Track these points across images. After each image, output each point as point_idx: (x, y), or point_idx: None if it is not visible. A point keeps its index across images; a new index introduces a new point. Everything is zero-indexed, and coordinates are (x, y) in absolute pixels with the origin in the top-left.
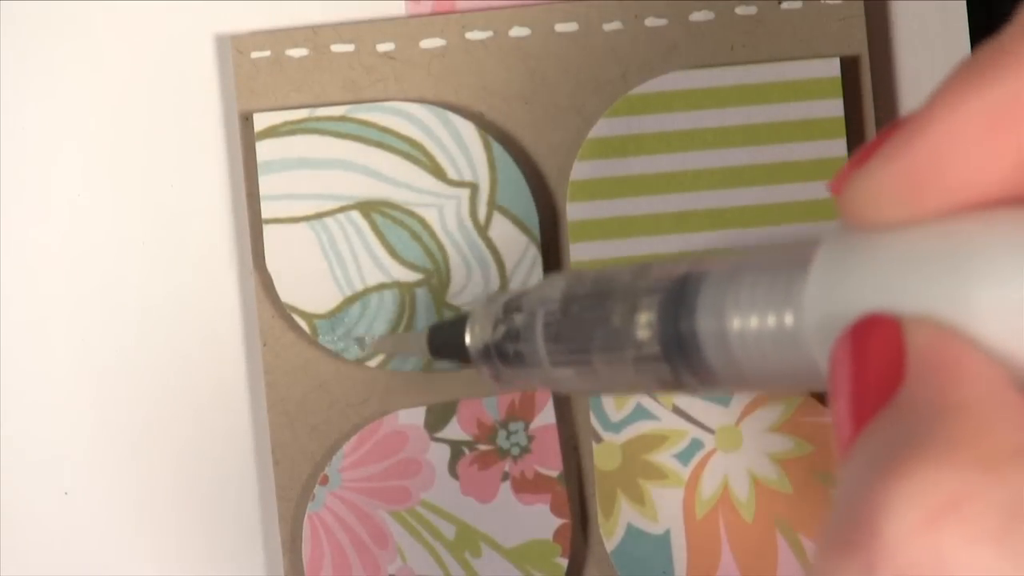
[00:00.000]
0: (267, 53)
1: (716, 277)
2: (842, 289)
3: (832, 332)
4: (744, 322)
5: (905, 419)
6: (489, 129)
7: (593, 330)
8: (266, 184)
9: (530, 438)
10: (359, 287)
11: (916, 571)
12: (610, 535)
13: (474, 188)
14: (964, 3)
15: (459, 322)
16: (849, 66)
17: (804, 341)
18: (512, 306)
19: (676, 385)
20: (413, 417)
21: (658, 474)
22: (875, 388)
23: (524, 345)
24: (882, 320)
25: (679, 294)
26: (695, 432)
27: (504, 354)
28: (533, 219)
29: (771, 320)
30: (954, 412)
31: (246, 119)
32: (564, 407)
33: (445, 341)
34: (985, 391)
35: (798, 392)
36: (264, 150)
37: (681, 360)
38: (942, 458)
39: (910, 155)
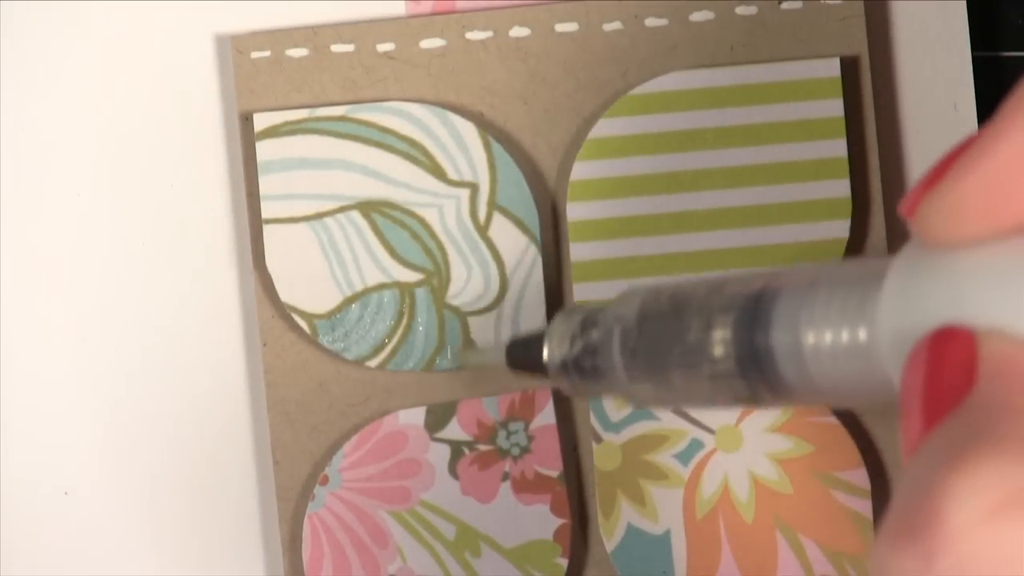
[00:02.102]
0: (267, 53)
1: (790, 293)
2: (916, 304)
3: (905, 345)
4: (819, 337)
5: (975, 418)
6: (489, 129)
7: (669, 346)
8: (266, 184)
9: (530, 438)
10: (359, 287)
11: (976, 561)
12: (610, 535)
13: (474, 188)
14: (964, 3)
15: (537, 338)
16: (849, 66)
17: (878, 354)
18: (589, 322)
19: (752, 400)
20: (413, 417)
21: (658, 474)
22: (947, 392)
23: (601, 360)
24: (956, 330)
25: (754, 310)
26: (695, 432)
27: (582, 369)
28: (533, 219)
29: (845, 335)
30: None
31: (246, 119)
32: (564, 407)
33: (523, 356)
34: None
35: (870, 405)
36: (264, 150)
37: (757, 376)
38: (1011, 452)
39: (982, 172)
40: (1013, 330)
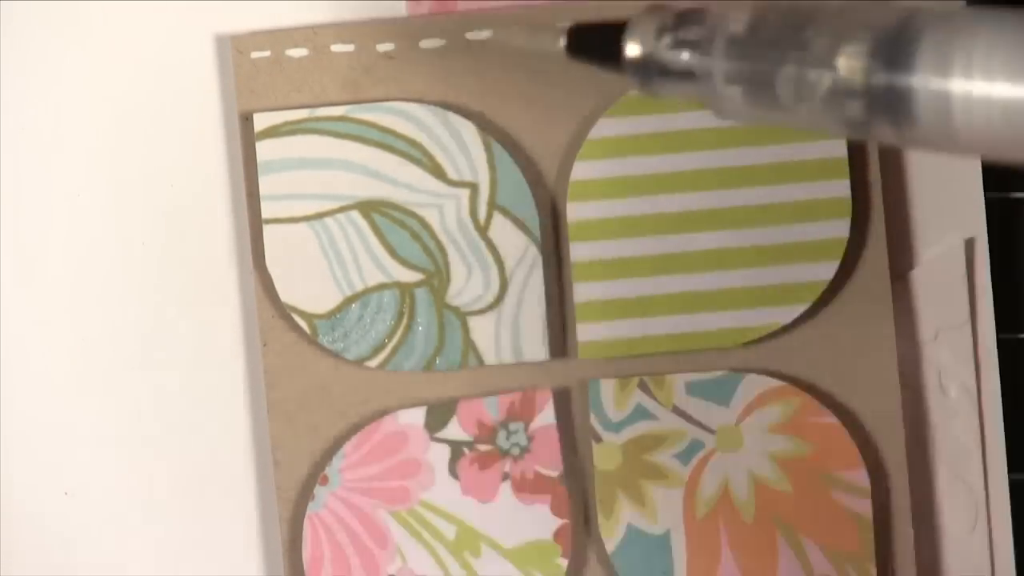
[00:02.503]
0: (267, 53)
1: (940, 32)
2: None
3: None
4: (973, 86)
5: None
6: (489, 129)
7: (787, 51)
8: (266, 184)
9: (530, 438)
10: (359, 287)
11: None
12: (610, 535)
13: (474, 188)
14: (964, 3)
15: (614, 26)
16: None
17: None
18: (689, 17)
19: (864, 129)
20: (413, 417)
21: (658, 474)
22: None
23: (696, 59)
24: None
25: (895, 42)
26: (695, 432)
27: (667, 66)
28: (533, 219)
29: (1007, 88)
30: None
31: (246, 119)
32: (564, 407)
33: (593, 41)
34: None
35: (1001, 161)
36: (264, 150)
37: (884, 107)
38: None
39: None
40: None
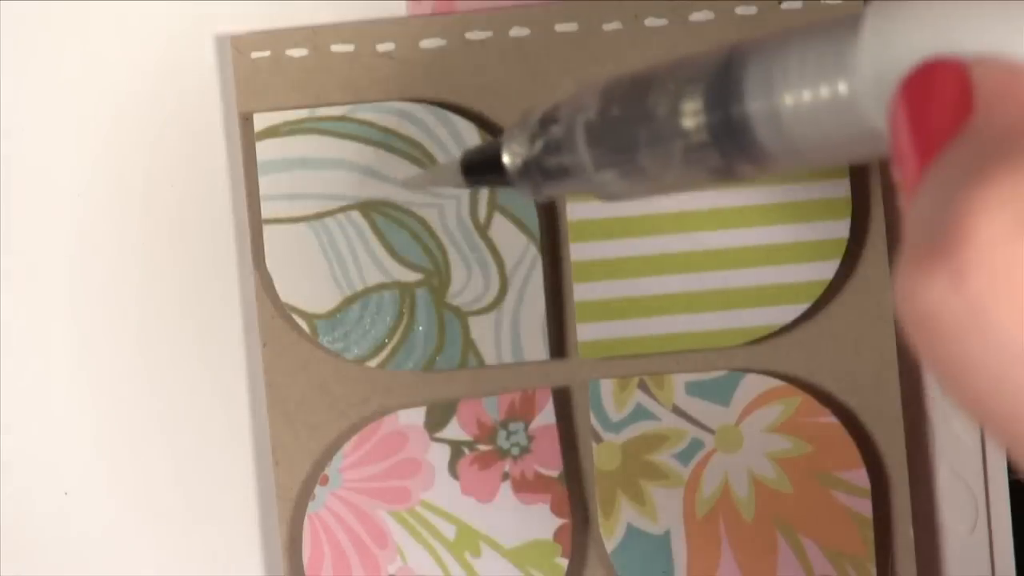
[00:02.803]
0: (267, 53)
1: (759, 56)
2: (896, 44)
3: (888, 90)
4: (796, 97)
5: (982, 142)
6: (489, 129)
7: (637, 127)
8: (266, 184)
9: (530, 438)
10: (359, 287)
11: (1008, 275)
12: (610, 535)
13: (474, 188)
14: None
15: (493, 143)
16: None
17: (861, 105)
18: (549, 118)
19: (727, 173)
20: (413, 417)
21: (658, 474)
22: (942, 122)
23: (566, 155)
24: (944, 61)
25: (723, 78)
26: (695, 432)
27: (545, 168)
28: (533, 219)
29: (824, 90)
30: None
31: (246, 119)
32: (564, 407)
33: (481, 164)
34: None
35: (851, 161)
36: (264, 150)
37: (732, 146)
38: None
39: None
40: (1005, 54)
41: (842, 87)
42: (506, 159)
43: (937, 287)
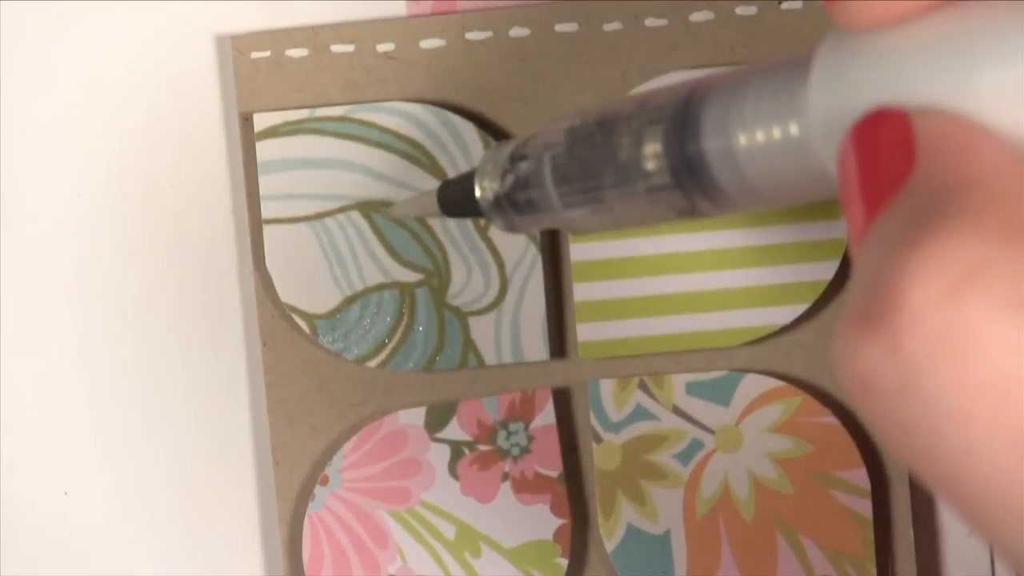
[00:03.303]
0: (267, 53)
1: (718, 96)
2: (844, 90)
3: (838, 134)
4: (750, 137)
5: (920, 198)
6: (489, 129)
7: (601, 167)
8: (266, 184)
9: (530, 438)
10: (359, 287)
11: (942, 339)
12: (610, 535)
13: None
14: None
15: (467, 177)
16: None
17: (812, 147)
18: (518, 154)
19: (691, 211)
20: (413, 417)
21: (658, 474)
22: (886, 175)
23: (534, 191)
24: (888, 112)
25: (682, 119)
26: (695, 432)
27: (515, 203)
28: None
29: (777, 131)
30: (970, 186)
31: (246, 119)
32: (564, 407)
33: (456, 198)
34: (999, 167)
35: (811, 201)
36: (264, 150)
37: (692, 185)
38: (962, 228)
39: None
40: (947, 106)
41: (793, 129)
42: (478, 193)
43: (873, 352)
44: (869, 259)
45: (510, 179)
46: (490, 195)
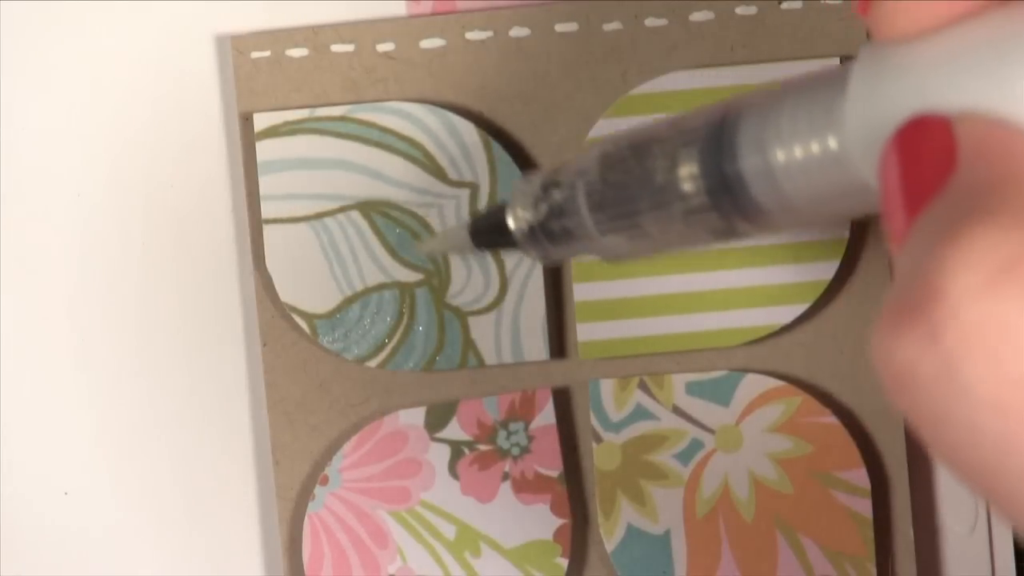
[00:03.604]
0: (267, 53)
1: (753, 114)
2: (882, 101)
3: (877, 145)
4: (788, 153)
5: (961, 196)
6: (489, 129)
7: (637, 192)
8: (266, 184)
9: (530, 438)
10: (359, 287)
11: (981, 331)
12: (610, 535)
13: (474, 188)
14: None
15: (499, 209)
16: None
17: (851, 160)
18: (551, 183)
19: (729, 232)
20: (413, 417)
21: (658, 474)
22: (928, 177)
23: (569, 220)
24: (930, 118)
25: (717, 138)
26: (695, 432)
27: (550, 233)
28: None
29: (815, 146)
30: (1010, 184)
31: (246, 119)
32: (564, 407)
33: (488, 230)
34: None
35: (847, 217)
36: (264, 150)
37: (730, 206)
38: (1003, 222)
39: None
40: (986, 110)
41: (832, 143)
42: (511, 223)
43: (912, 344)
44: (910, 256)
45: (544, 208)
46: (524, 225)
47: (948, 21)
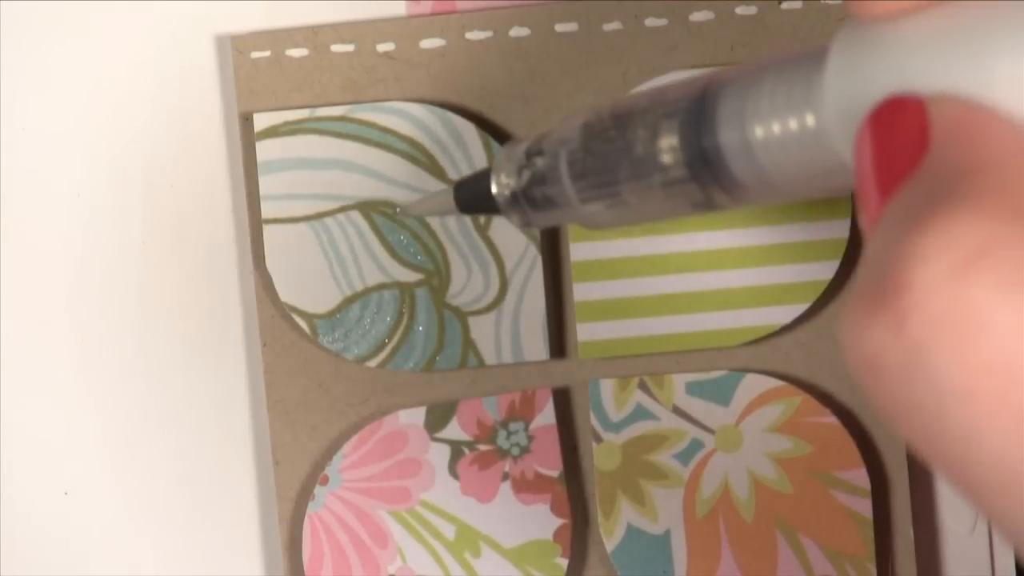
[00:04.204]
0: (267, 53)
1: (733, 89)
2: (860, 79)
3: (854, 123)
4: (766, 129)
5: (932, 181)
6: (489, 129)
7: (618, 162)
8: (266, 184)
9: (530, 438)
10: (359, 287)
11: (948, 319)
12: (610, 535)
13: None
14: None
15: (483, 175)
16: None
17: (828, 138)
18: (534, 150)
19: (708, 205)
20: (413, 417)
21: (658, 474)
22: (901, 159)
23: (551, 187)
24: (904, 98)
25: (698, 112)
26: (695, 432)
27: (532, 199)
28: None
29: (793, 123)
30: (981, 169)
31: (246, 119)
32: (564, 407)
33: (472, 195)
34: (1010, 151)
35: (826, 194)
36: (264, 150)
37: (709, 178)
38: (969, 209)
39: None
40: (962, 92)
41: (810, 120)
42: (494, 189)
43: (879, 332)
44: (880, 240)
45: (527, 175)
46: (507, 192)
47: (927, 3)
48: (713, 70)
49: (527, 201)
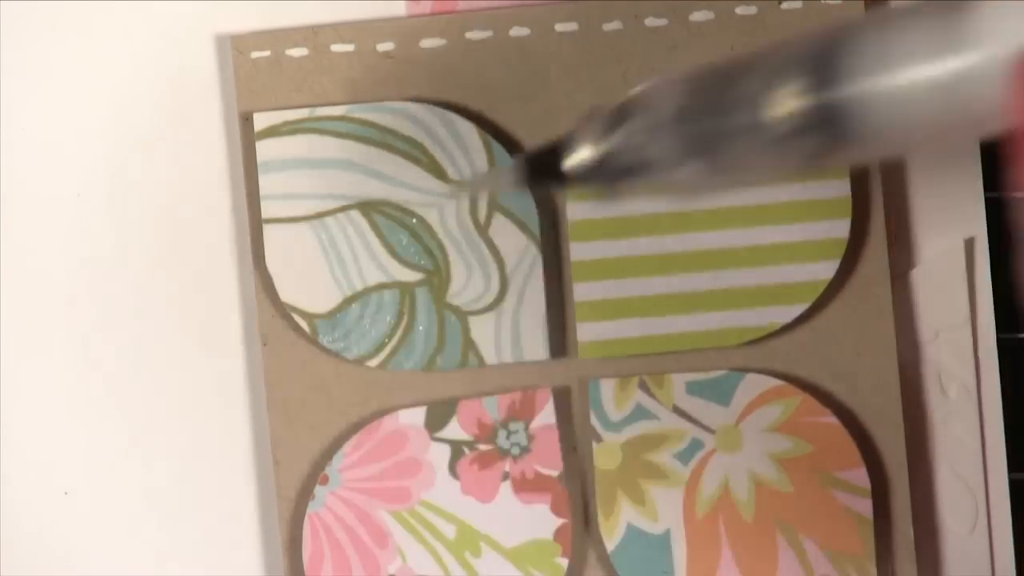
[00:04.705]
0: (267, 53)
1: (862, 36)
2: (1015, 23)
3: (1007, 67)
4: (900, 78)
5: None
6: (489, 129)
7: (726, 116)
8: (266, 184)
9: (530, 438)
10: (359, 287)
11: None
12: (610, 535)
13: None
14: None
15: (555, 146)
16: None
17: (976, 85)
18: (625, 112)
19: (823, 157)
20: (413, 417)
21: (658, 474)
22: None
23: (647, 150)
24: None
25: (824, 59)
26: (695, 432)
27: (619, 165)
28: (533, 219)
29: (930, 71)
30: None
31: (246, 119)
32: (564, 407)
33: (542, 167)
34: None
35: (948, 146)
36: (264, 150)
37: (832, 130)
38: None
39: None
40: None
41: (957, 64)
42: (574, 158)
43: None
44: None
45: (616, 138)
46: (585, 161)
47: None
48: (834, 25)
49: (612, 168)
